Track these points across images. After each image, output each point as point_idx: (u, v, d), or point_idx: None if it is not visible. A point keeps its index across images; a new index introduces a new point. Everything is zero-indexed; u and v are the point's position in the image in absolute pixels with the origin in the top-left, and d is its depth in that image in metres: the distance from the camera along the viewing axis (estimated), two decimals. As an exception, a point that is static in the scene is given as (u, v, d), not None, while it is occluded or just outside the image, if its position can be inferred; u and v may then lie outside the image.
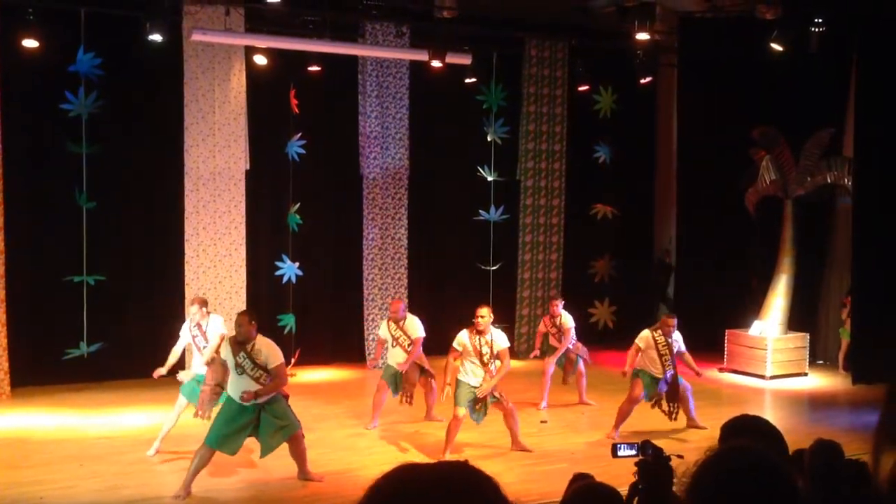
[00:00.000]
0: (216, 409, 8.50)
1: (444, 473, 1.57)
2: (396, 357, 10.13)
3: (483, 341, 8.93)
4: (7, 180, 11.34)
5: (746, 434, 3.02)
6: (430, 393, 10.45)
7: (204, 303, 9.39)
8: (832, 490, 4.07)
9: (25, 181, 11.82)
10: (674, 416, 9.97)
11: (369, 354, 13.71)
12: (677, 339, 10.00)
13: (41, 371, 11.88)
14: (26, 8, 11.20)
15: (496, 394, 9.05)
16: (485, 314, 8.94)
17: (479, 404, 8.95)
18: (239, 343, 7.93)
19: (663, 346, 9.85)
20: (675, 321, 10.03)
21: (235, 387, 7.95)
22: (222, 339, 8.45)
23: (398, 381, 10.14)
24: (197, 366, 9.12)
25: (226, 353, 8.01)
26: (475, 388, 8.94)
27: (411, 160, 13.97)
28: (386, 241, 13.87)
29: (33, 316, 11.91)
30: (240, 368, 7.90)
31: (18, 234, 11.60)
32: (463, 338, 8.98)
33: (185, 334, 9.23)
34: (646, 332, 9.98)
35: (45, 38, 11.38)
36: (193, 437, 8.97)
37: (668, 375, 9.86)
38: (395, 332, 10.10)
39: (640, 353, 9.94)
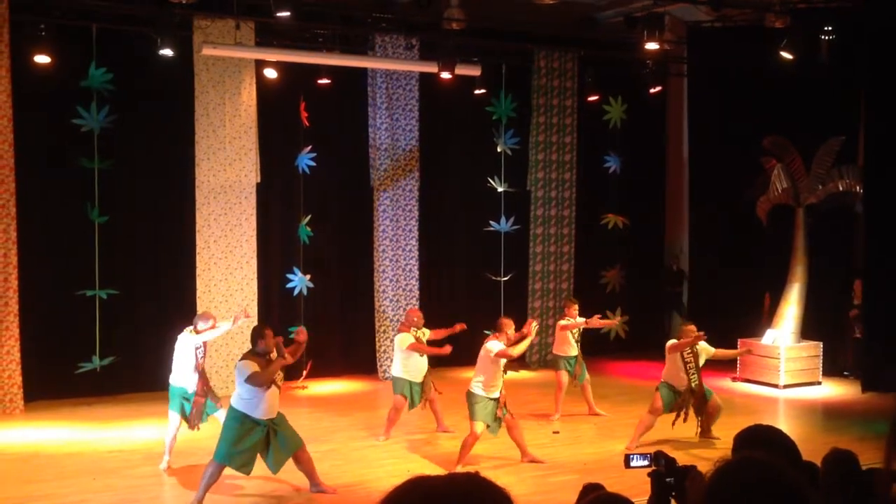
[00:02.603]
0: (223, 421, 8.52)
1: (456, 485, 1.56)
2: (422, 367, 10.10)
3: None
4: (20, 195, 11.39)
5: (760, 444, 3.00)
6: (437, 402, 10.43)
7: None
8: (846, 499, 4.04)
9: (38, 196, 11.89)
10: (700, 430, 9.91)
11: (381, 366, 13.73)
12: (704, 345, 9.96)
13: (54, 385, 11.91)
14: (38, 24, 11.28)
15: (507, 407, 9.07)
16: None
17: (499, 411, 8.94)
18: (262, 356, 7.92)
19: (688, 353, 9.82)
20: (694, 327, 9.97)
21: (260, 403, 7.86)
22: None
23: (414, 393, 10.12)
24: (184, 380, 9.01)
25: (254, 367, 7.81)
26: (492, 399, 8.92)
27: (421, 171, 13.99)
28: (397, 252, 13.88)
29: (46, 330, 11.95)
30: (272, 383, 7.89)
31: (31, 248, 11.65)
32: (500, 344, 8.94)
33: (189, 347, 9.03)
34: (672, 340, 9.95)
35: (57, 53, 11.46)
36: (205, 450, 8.99)
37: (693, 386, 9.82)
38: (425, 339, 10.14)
39: (667, 358, 9.89)
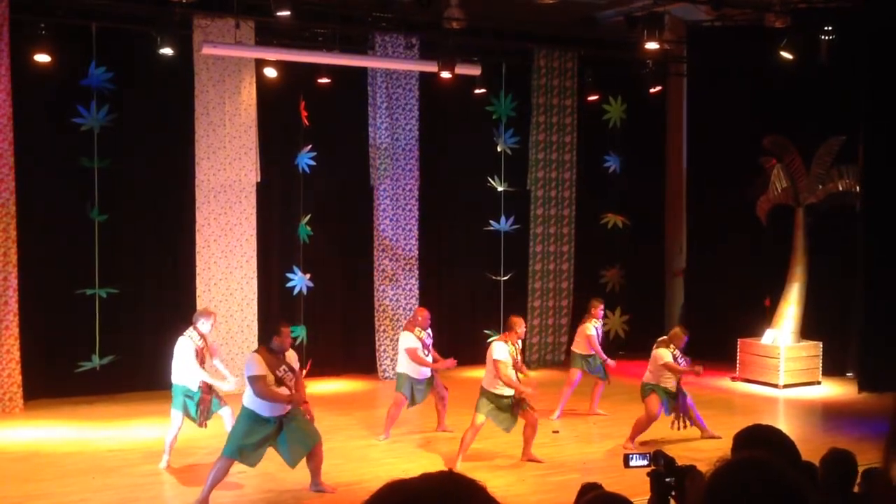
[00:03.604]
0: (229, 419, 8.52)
1: (432, 484, 1.56)
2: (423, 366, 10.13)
3: (516, 350, 9.05)
4: (20, 194, 11.39)
5: (759, 444, 3.00)
6: (442, 402, 10.42)
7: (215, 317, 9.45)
8: (845, 499, 4.05)
9: (38, 195, 11.87)
10: (682, 426, 9.93)
11: (380, 366, 13.72)
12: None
13: (54, 384, 11.91)
14: (38, 23, 11.28)
15: (527, 404, 9.07)
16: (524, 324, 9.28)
17: (515, 409, 8.96)
18: (276, 354, 7.90)
19: (679, 358, 9.85)
20: (685, 334, 9.99)
21: (269, 403, 7.80)
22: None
23: (415, 391, 10.11)
24: (185, 378, 8.96)
25: (261, 368, 7.74)
26: (504, 397, 8.92)
27: (421, 171, 13.99)
28: (396, 251, 13.88)
29: (46, 329, 11.95)
30: (279, 382, 7.80)
31: (31, 247, 11.64)
32: (504, 349, 8.94)
33: (189, 351, 8.92)
34: (665, 351, 9.87)
35: (57, 52, 11.46)
36: (205, 449, 9.01)
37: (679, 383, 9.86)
38: (427, 340, 10.13)
39: (658, 367, 9.89)
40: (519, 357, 9.09)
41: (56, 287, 12.02)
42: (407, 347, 10.02)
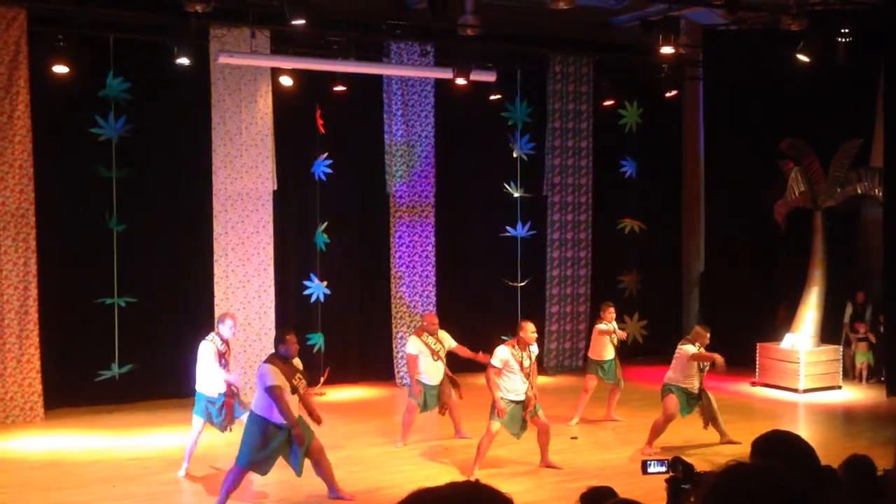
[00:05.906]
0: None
1: (458, 494, 1.56)
2: (436, 372, 10.09)
3: (525, 355, 8.97)
4: (38, 204, 11.48)
5: (778, 450, 2.98)
6: (457, 409, 10.40)
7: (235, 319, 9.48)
8: (867, 505, 4.01)
9: (56, 205, 11.96)
10: (721, 436, 9.89)
11: (398, 372, 13.72)
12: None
13: (73, 393, 11.98)
14: (56, 34, 11.37)
15: (537, 409, 9.03)
16: (534, 329, 9.12)
17: (525, 414, 8.92)
18: (288, 362, 7.93)
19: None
20: (707, 333, 9.98)
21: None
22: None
23: (428, 397, 10.11)
24: (206, 386, 8.95)
25: (278, 378, 7.76)
26: (516, 403, 8.90)
27: (437, 178, 14.01)
28: (413, 258, 13.89)
29: (65, 338, 12.01)
30: (294, 391, 7.86)
31: (50, 257, 11.73)
32: (504, 354, 8.91)
33: (210, 354, 8.92)
34: (691, 346, 9.83)
35: (74, 63, 11.53)
36: (225, 457, 9.02)
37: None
38: (435, 345, 10.09)
39: (683, 364, 9.85)
40: (527, 363, 8.94)
41: (75, 296, 12.10)
42: (407, 353, 10.20)
